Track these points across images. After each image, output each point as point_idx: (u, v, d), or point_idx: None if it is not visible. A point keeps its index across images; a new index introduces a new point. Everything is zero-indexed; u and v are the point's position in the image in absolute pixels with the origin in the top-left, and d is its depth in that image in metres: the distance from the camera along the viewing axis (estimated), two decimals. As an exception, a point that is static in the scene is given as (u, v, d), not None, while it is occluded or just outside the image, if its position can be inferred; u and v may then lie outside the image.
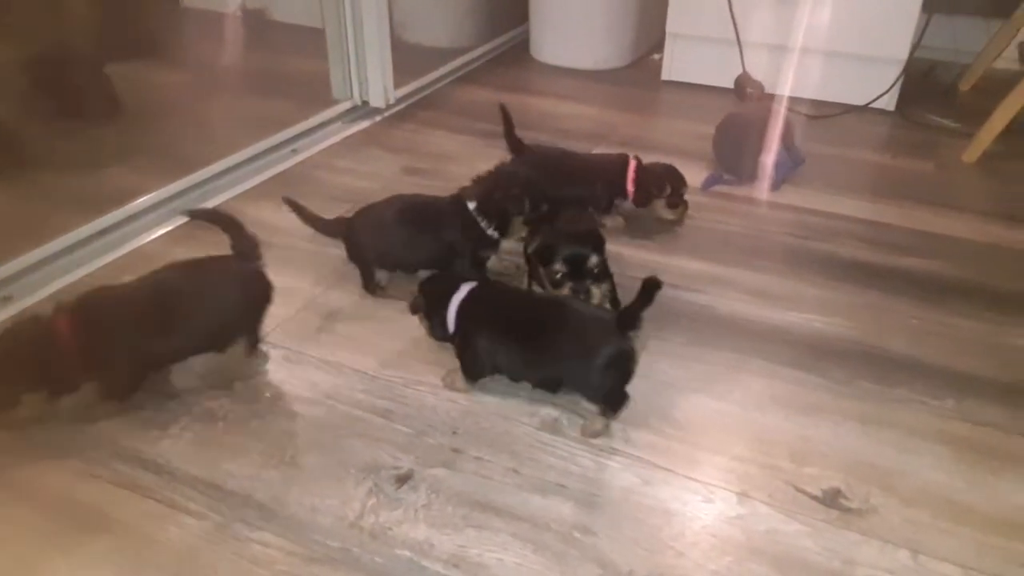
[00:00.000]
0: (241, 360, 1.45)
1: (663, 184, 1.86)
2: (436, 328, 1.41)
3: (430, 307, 1.41)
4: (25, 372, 1.24)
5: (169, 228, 1.88)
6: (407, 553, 1.11)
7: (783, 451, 1.29)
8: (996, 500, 1.21)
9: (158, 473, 1.23)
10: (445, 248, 1.62)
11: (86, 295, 1.32)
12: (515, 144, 1.92)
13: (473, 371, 1.39)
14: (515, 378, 1.38)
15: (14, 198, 2.03)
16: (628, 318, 1.27)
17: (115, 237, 1.84)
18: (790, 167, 2.14)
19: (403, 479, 1.23)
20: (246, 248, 1.42)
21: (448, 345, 1.42)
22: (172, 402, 1.37)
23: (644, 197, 1.86)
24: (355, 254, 1.67)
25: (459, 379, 1.40)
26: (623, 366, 1.29)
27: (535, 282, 1.52)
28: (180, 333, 1.35)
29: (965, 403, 1.39)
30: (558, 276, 1.42)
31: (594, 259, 1.40)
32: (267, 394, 1.40)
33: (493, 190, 1.61)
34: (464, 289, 1.38)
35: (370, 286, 1.66)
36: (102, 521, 1.15)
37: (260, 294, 1.45)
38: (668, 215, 1.90)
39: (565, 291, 1.41)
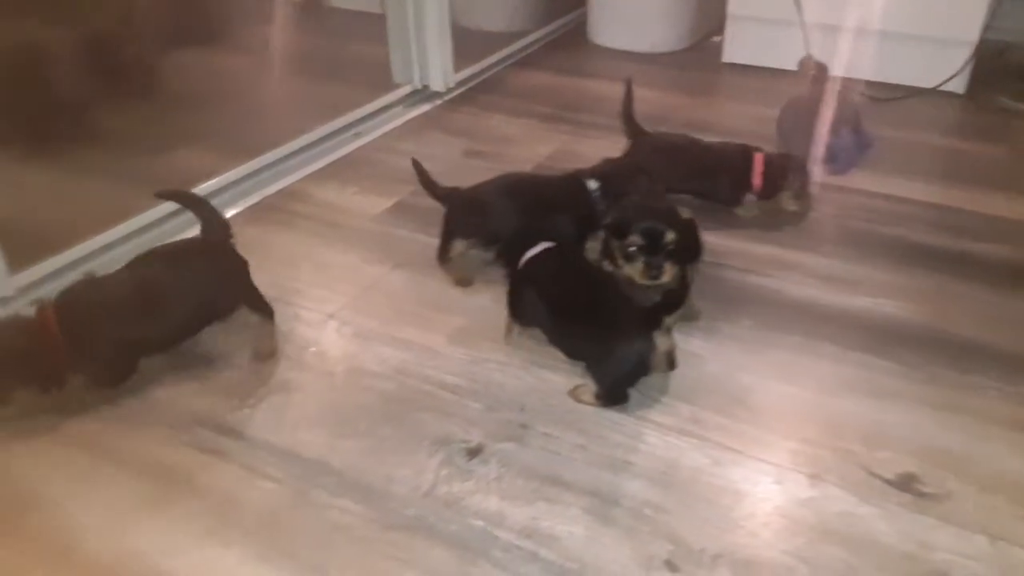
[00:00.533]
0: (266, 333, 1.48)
1: (788, 176, 1.82)
2: (508, 268, 1.48)
3: (509, 256, 1.47)
4: (16, 369, 1.26)
5: (240, 208, 1.94)
6: (480, 523, 1.14)
7: (855, 435, 1.28)
8: (1077, 489, 1.19)
9: (239, 440, 1.28)
10: (553, 226, 1.57)
11: (67, 290, 1.33)
12: (633, 128, 1.92)
13: (514, 312, 1.45)
14: (551, 341, 1.41)
15: (93, 178, 2.11)
16: (652, 317, 1.28)
17: (190, 216, 1.88)
18: (858, 150, 2.11)
19: (474, 452, 1.26)
20: (216, 227, 1.45)
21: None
22: (249, 374, 1.42)
23: (769, 189, 1.83)
24: (448, 225, 1.64)
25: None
26: (635, 366, 1.30)
27: (607, 259, 1.51)
28: (162, 318, 1.36)
29: (1041, 391, 1.37)
30: (632, 249, 1.41)
31: (670, 235, 1.40)
32: (339, 368, 1.44)
33: (616, 172, 1.63)
34: (540, 247, 1.43)
35: (443, 256, 1.65)
36: (189, 484, 1.20)
37: (234, 270, 1.45)
38: (793, 206, 1.85)
39: (638, 266, 1.41)
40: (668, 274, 1.40)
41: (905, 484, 1.19)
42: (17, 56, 2.39)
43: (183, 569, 1.08)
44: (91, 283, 1.37)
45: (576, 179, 1.64)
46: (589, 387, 1.35)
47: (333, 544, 1.11)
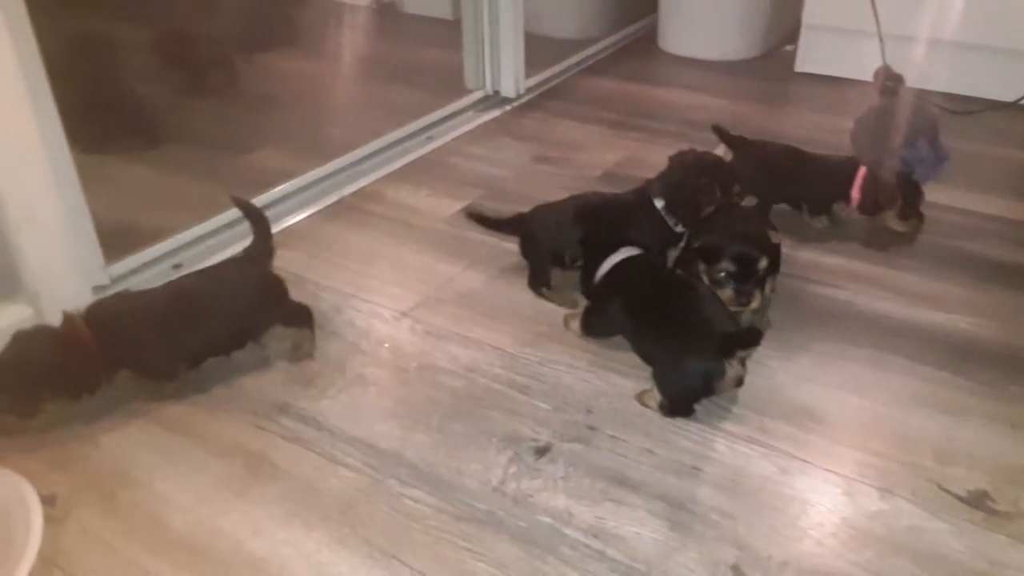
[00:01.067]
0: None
1: (894, 194, 1.77)
2: (584, 280, 1.51)
3: (588, 261, 1.50)
4: (47, 380, 1.28)
5: (319, 207, 2.01)
6: (548, 520, 1.17)
7: (926, 450, 1.27)
8: None
9: (319, 429, 1.34)
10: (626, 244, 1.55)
11: (96, 304, 1.37)
12: (733, 140, 1.92)
13: (589, 324, 1.49)
14: (632, 346, 1.43)
15: (181, 174, 2.21)
16: (727, 346, 1.28)
17: (271, 215, 1.95)
18: (935, 163, 2.07)
19: (542, 451, 1.29)
20: (263, 248, 1.49)
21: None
22: (327, 367, 1.48)
23: (871, 205, 1.79)
24: (529, 250, 1.67)
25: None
26: (701, 386, 1.31)
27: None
28: (203, 332, 1.39)
29: (1126, 414, 1.33)
30: (722, 275, 1.40)
31: (763, 262, 1.39)
32: (412, 364, 1.49)
33: (680, 184, 1.59)
34: (622, 253, 1.46)
35: (536, 284, 1.66)
36: (271, 469, 1.26)
37: (270, 290, 1.47)
38: (898, 227, 1.79)
39: (727, 292, 1.41)
40: (757, 300, 1.41)
41: (977, 501, 1.18)
42: (110, 57, 2.53)
43: (266, 550, 1.14)
44: (122, 295, 1.44)
45: (644, 195, 1.62)
46: (655, 393, 1.37)
47: (407, 532, 1.15)
